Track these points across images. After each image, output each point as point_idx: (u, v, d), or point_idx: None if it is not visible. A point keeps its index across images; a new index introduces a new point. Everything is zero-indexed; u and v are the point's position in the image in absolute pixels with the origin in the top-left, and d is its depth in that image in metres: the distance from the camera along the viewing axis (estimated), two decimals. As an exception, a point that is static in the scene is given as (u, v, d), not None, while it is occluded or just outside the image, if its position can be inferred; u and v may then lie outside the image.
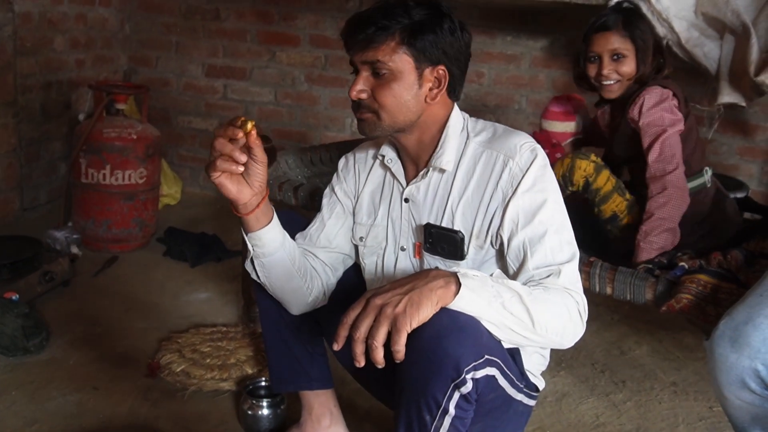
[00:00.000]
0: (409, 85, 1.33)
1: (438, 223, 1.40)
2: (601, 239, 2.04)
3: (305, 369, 1.65)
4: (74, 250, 2.79)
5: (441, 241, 1.39)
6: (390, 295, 1.10)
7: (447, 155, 1.39)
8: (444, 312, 1.10)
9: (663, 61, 2.02)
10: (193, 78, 3.89)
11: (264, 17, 3.72)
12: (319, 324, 1.61)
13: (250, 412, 1.80)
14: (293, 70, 3.73)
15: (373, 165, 1.53)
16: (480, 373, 1.13)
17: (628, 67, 1.96)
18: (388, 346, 1.07)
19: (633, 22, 1.97)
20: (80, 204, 2.99)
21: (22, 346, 2.06)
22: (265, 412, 1.79)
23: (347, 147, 1.90)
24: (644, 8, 2.38)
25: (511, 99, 3.45)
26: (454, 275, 1.13)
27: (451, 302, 1.11)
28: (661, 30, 2.41)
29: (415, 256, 1.46)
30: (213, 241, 3.07)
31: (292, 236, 1.52)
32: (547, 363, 1.48)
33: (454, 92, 1.39)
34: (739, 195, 2.44)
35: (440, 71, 1.35)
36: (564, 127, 2.25)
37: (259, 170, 1.26)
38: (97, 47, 3.68)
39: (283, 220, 1.43)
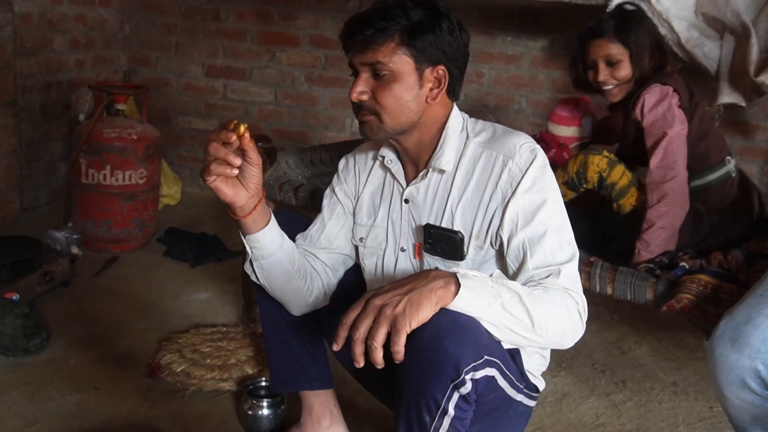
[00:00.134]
0: (409, 86, 1.33)
1: (438, 224, 1.40)
2: (601, 239, 2.04)
3: (306, 369, 1.65)
4: (74, 250, 2.79)
5: (441, 241, 1.39)
6: (390, 296, 1.10)
7: (447, 156, 1.39)
8: (443, 312, 1.10)
9: (663, 58, 2.01)
10: (193, 78, 3.90)
11: (264, 17, 3.72)
12: (319, 324, 1.61)
13: (250, 413, 1.80)
14: (293, 70, 3.73)
15: (373, 166, 1.53)
16: (479, 374, 1.13)
17: (624, 71, 1.96)
18: (387, 346, 1.06)
19: (626, 27, 1.97)
20: (80, 204, 2.99)
21: (22, 346, 2.06)
22: (266, 412, 1.79)
23: (348, 147, 1.90)
24: (645, 8, 2.38)
25: (511, 99, 3.45)
26: (454, 276, 1.13)
27: (451, 303, 1.10)
28: (661, 30, 2.41)
29: (415, 257, 1.46)
30: (213, 242, 3.07)
31: (293, 237, 1.53)
32: (547, 363, 1.48)
33: (453, 92, 1.39)
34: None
35: (440, 71, 1.35)
36: (570, 132, 2.26)
37: (255, 173, 1.26)
38: (97, 47, 3.68)
39: (283, 221, 1.43)
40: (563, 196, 1.48)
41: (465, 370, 1.10)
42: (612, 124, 2.23)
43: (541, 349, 1.43)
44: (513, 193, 1.32)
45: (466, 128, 1.42)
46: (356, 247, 1.56)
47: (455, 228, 1.38)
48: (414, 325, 1.07)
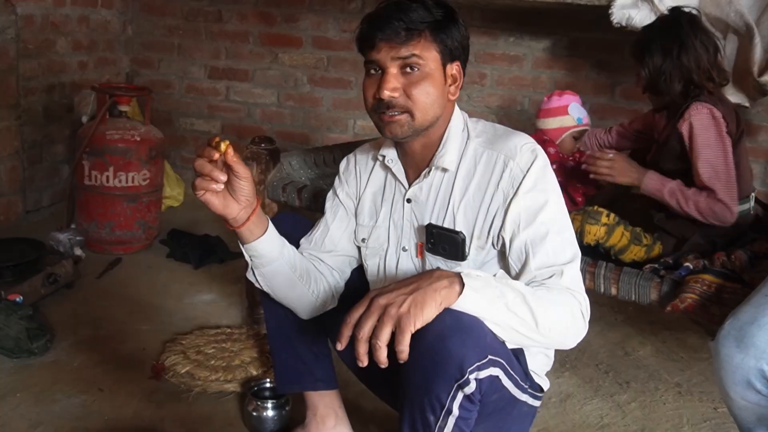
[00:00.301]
0: (439, 82, 1.33)
1: (440, 224, 1.40)
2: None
3: (310, 369, 1.65)
4: (77, 252, 2.80)
5: (442, 241, 1.39)
6: (394, 295, 1.10)
7: (449, 155, 1.39)
8: (448, 312, 1.10)
9: (711, 77, 1.97)
10: (195, 80, 3.90)
11: (266, 19, 3.72)
12: (323, 324, 1.61)
13: (254, 414, 1.80)
14: (296, 71, 3.74)
15: (374, 166, 1.53)
16: (483, 374, 1.13)
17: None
18: (391, 346, 1.06)
19: (643, 52, 1.98)
20: (83, 206, 3.00)
21: (26, 348, 2.06)
22: (270, 413, 1.79)
23: (351, 148, 1.89)
24: (647, 9, 2.37)
25: (514, 100, 3.45)
26: (458, 275, 1.13)
27: (455, 302, 1.11)
28: None
29: (417, 257, 1.46)
30: (216, 243, 3.07)
31: (299, 239, 1.53)
32: (551, 363, 1.48)
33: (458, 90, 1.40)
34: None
35: (456, 67, 1.36)
36: (558, 123, 2.27)
37: (243, 185, 1.27)
38: (99, 49, 3.68)
39: (288, 224, 1.43)
40: None
41: (469, 369, 1.10)
42: (653, 127, 2.21)
43: (545, 348, 1.43)
44: (515, 193, 1.32)
45: (466, 127, 1.43)
46: (358, 248, 1.56)
47: (457, 228, 1.38)
48: (419, 325, 1.07)
